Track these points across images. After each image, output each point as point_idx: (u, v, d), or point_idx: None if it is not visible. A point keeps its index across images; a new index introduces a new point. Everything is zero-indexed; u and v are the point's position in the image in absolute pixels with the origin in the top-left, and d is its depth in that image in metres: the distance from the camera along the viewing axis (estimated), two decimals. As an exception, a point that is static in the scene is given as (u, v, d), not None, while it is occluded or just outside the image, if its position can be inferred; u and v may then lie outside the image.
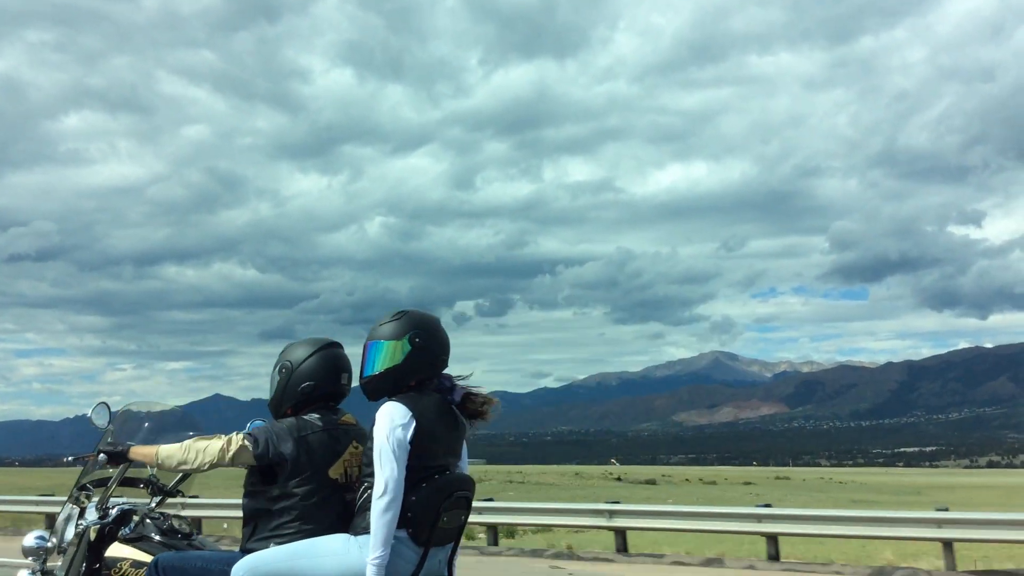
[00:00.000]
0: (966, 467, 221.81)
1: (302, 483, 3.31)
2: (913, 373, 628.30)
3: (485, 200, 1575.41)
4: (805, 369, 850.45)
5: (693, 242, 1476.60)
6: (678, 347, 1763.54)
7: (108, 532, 3.48)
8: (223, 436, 3.26)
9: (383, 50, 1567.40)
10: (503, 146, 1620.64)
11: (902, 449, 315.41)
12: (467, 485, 3.14)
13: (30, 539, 3.57)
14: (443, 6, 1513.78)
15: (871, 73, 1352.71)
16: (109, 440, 3.50)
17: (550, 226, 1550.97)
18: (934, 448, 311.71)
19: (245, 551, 3.31)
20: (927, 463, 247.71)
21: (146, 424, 3.73)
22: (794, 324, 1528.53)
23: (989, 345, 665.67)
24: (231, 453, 3.29)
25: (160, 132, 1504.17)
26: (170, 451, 3.34)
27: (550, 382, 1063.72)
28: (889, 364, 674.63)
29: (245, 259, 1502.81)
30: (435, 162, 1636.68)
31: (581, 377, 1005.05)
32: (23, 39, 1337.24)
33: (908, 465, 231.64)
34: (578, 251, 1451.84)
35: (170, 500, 3.74)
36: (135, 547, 3.49)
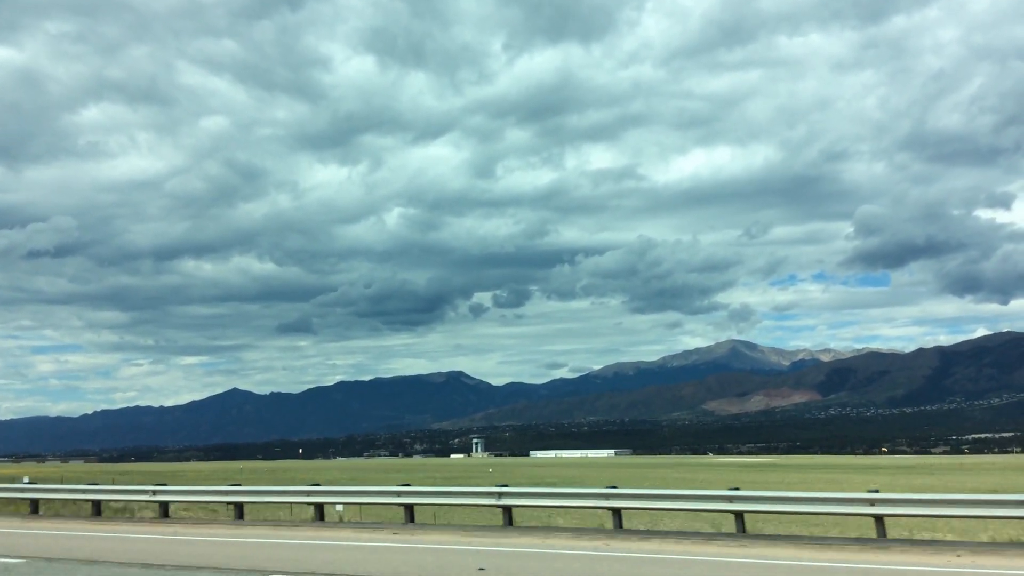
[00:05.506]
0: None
1: None
2: (945, 359, 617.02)
3: (506, 189, 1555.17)
4: (825, 358, 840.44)
5: (715, 229, 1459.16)
6: (694, 336, 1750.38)
7: None
8: None
9: (405, 36, 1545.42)
10: (525, 134, 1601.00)
11: (976, 435, 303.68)
12: None
13: None
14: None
15: (902, 53, 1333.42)
16: None
17: (571, 215, 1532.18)
18: (1012, 434, 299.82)
19: None
20: (1013, 449, 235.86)
21: None
22: (812, 312, 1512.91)
23: (1010, 330, 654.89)
24: None
25: (179, 124, 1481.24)
26: None
27: (565, 372, 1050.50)
28: (920, 350, 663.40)
29: (263, 252, 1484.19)
30: (456, 151, 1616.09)
31: (597, 367, 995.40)
32: (43, 30, 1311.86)
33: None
34: (598, 240, 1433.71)
35: None
36: None
